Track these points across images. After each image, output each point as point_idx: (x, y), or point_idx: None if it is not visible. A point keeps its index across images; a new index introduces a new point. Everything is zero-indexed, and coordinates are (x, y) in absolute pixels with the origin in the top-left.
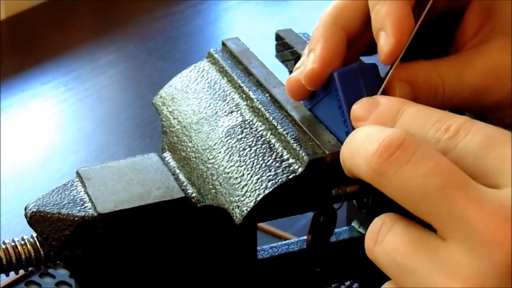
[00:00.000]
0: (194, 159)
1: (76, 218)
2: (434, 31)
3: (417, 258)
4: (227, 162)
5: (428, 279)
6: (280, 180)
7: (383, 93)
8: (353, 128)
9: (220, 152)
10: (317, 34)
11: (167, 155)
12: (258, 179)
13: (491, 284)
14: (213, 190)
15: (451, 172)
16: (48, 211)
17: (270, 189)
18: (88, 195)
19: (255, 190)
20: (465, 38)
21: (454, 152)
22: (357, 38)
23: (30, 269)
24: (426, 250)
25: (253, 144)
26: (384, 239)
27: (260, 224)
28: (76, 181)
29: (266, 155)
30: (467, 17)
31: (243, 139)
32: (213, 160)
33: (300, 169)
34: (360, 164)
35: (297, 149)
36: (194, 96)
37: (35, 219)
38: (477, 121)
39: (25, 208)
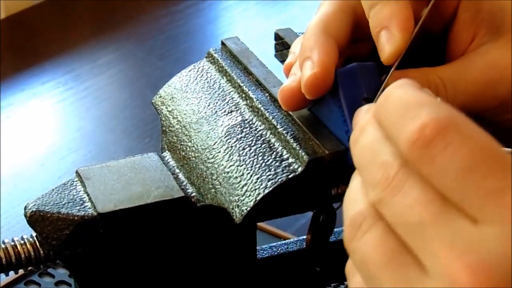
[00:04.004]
0: (193, 158)
1: (76, 218)
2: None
3: (386, 272)
4: (226, 161)
5: None
6: (280, 180)
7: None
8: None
9: (219, 152)
10: (309, 42)
11: (167, 154)
12: (258, 178)
13: None
14: (213, 190)
15: (427, 204)
16: (47, 210)
17: (270, 189)
18: (88, 195)
19: (255, 189)
20: (461, 47)
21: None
22: (343, 49)
23: (29, 268)
24: (397, 266)
25: (252, 144)
26: (362, 238)
27: (260, 224)
28: (76, 181)
29: (266, 154)
30: (458, 27)
31: (242, 138)
32: (212, 160)
33: (300, 169)
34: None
35: (297, 148)
36: (193, 95)
37: (35, 218)
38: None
39: (25, 208)
